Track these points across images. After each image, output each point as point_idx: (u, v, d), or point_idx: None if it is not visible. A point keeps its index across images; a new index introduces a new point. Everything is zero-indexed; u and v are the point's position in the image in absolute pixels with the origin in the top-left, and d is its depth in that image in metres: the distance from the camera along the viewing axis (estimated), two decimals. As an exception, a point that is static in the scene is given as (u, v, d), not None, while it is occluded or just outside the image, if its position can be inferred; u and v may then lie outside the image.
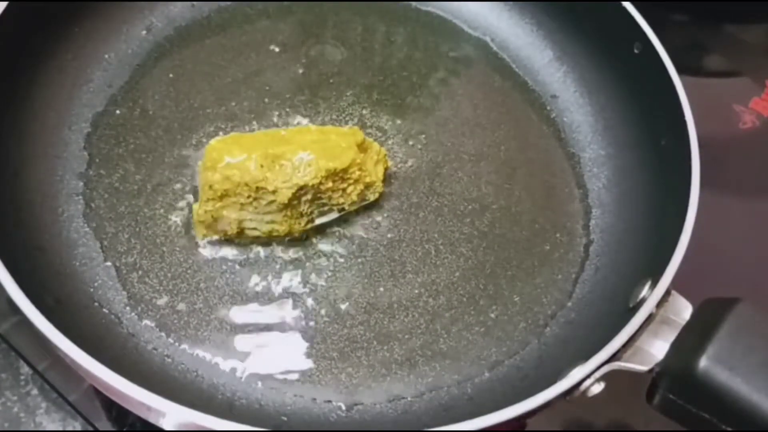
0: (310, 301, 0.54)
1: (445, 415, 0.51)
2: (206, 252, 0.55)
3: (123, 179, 0.58)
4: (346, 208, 0.56)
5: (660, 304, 0.48)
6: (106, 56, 0.63)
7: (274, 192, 0.52)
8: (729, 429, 0.44)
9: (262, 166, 0.51)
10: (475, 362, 0.53)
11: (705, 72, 0.85)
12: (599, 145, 0.65)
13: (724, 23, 0.87)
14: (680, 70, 0.58)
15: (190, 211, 0.56)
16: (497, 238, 0.59)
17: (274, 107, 0.63)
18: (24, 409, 0.55)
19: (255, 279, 0.54)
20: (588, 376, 0.45)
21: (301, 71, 0.65)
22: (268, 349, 0.52)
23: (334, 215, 0.57)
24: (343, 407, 0.51)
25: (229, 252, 0.55)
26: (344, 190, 0.55)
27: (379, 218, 0.58)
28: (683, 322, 0.47)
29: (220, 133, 0.60)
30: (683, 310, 0.48)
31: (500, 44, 0.70)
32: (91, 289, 0.53)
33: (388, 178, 0.60)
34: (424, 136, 0.63)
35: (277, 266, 0.55)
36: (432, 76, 0.67)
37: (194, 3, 0.68)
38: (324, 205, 0.55)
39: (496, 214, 0.60)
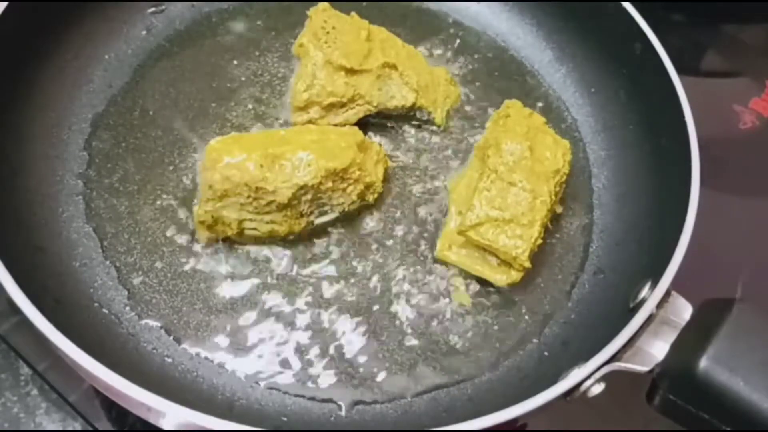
0: (309, 302, 0.54)
1: (445, 416, 0.51)
2: (206, 252, 0.55)
3: (123, 179, 0.58)
4: (346, 208, 0.56)
5: (660, 304, 0.48)
6: (107, 56, 0.63)
7: (273, 192, 0.52)
8: (729, 429, 0.44)
9: (261, 166, 0.51)
10: (475, 362, 0.53)
11: (705, 72, 0.85)
12: (599, 145, 0.65)
13: (724, 23, 0.88)
14: (680, 70, 0.58)
15: (190, 211, 0.56)
16: (497, 238, 0.59)
17: (273, 107, 0.63)
18: (24, 409, 0.55)
19: (255, 279, 0.54)
20: (588, 377, 0.45)
21: (301, 71, 0.65)
22: (268, 349, 0.52)
23: (333, 215, 0.57)
24: (343, 407, 0.51)
25: (228, 252, 0.55)
26: (344, 190, 0.55)
27: (378, 218, 0.58)
28: (683, 323, 0.47)
29: (220, 133, 0.60)
30: (683, 310, 0.48)
31: (500, 44, 0.70)
32: (91, 289, 0.53)
33: (387, 178, 0.60)
34: (424, 135, 0.63)
35: (277, 267, 0.55)
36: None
37: (194, 3, 0.68)
38: (324, 205, 0.55)
39: (496, 214, 0.60)
